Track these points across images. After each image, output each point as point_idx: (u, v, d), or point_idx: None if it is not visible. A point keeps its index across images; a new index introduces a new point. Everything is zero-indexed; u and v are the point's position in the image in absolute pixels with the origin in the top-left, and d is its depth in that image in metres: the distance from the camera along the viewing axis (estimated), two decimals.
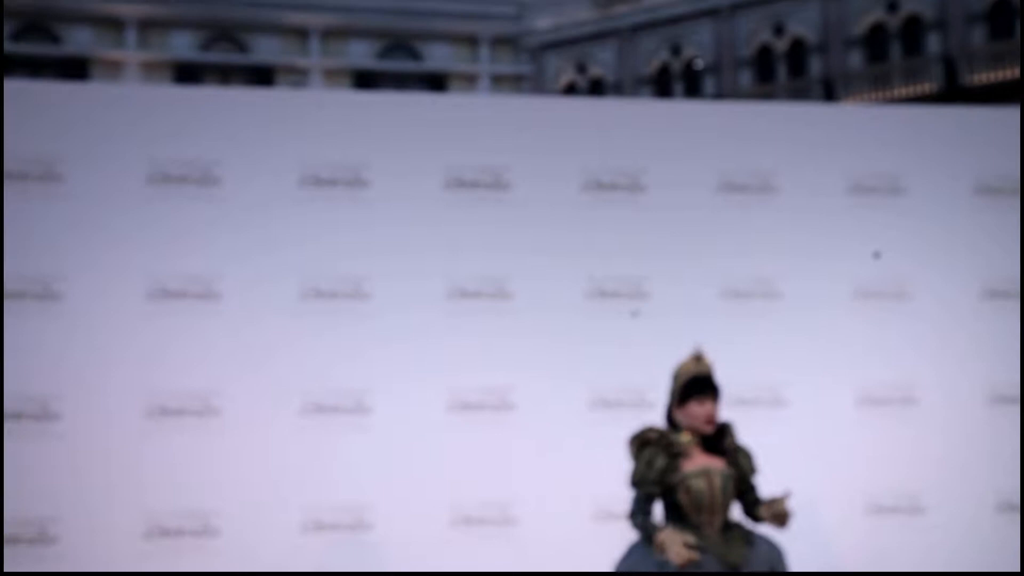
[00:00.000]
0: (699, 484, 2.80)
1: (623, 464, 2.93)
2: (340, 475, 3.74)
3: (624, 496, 2.92)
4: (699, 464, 2.83)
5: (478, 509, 3.81)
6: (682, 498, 2.80)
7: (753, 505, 2.93)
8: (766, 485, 3.02)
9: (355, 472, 3.74)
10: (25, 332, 3.55)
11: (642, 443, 2.88)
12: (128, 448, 3.62)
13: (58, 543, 3.53)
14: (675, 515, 2.83)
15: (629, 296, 4.03)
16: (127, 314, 3.68)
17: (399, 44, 15.81)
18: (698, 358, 2.93)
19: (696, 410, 2.85)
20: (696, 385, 2.87)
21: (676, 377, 2.93)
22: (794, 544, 2.97)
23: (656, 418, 3.01)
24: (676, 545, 2.65)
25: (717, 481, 2.82)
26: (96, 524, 3.53)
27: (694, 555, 2.65)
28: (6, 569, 3.36)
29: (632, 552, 2.90)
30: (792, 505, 2.87)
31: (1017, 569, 3.87)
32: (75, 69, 13.63)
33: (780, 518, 2.83)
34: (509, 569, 3.72)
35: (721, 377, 2.99)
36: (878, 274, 4.19)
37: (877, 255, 4.11)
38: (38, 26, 13.81)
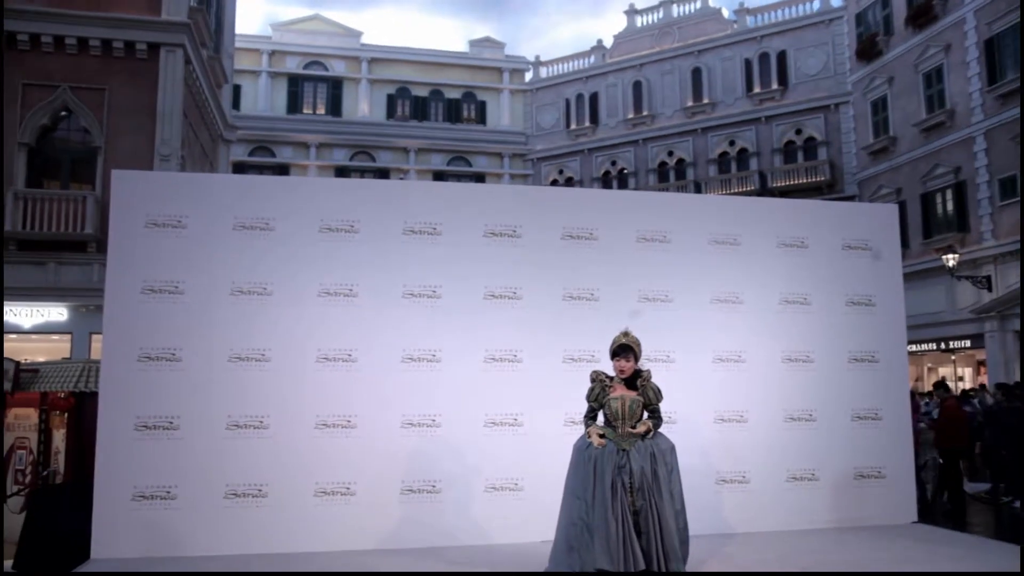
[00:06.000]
0: (615, 404, 3.78)
1: None
2: None
3: None
4: (618, 393, 3.83)
5: None
6: (606, 411, 3.82)
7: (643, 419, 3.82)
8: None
9: None
10: None
11: (592, 380, 3.91)
12: None
13: None
14: (605, 420, 3.84)
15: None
16: None
17: (459, 156, 24.70)
18: (625, 334, 3.91)
19: (617, 364, 3.87)
20: (618, 350, 3.89)
21: (611, 344, 3.92)
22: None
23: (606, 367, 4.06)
24: (594, 434, 3.79)
25: (628, 404, 3.77)
26: None
27: (603, 441, 3.74)
28: None
29: (581, 438, 3.88)
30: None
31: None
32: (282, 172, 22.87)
33: (639, 433, 3.76)
34: None
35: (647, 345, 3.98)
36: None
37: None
38: (263, 147, 23.08)
